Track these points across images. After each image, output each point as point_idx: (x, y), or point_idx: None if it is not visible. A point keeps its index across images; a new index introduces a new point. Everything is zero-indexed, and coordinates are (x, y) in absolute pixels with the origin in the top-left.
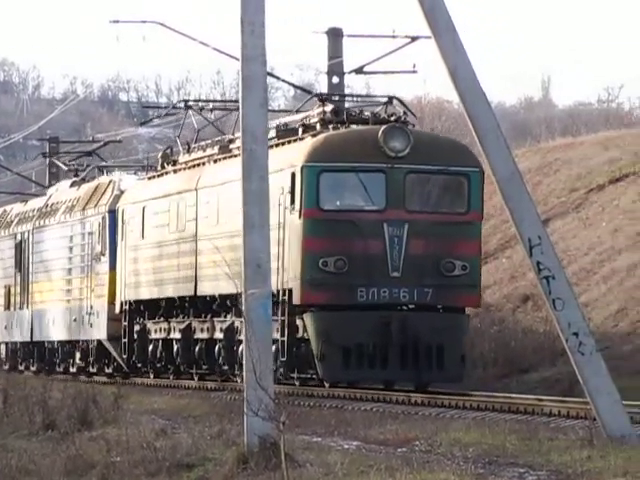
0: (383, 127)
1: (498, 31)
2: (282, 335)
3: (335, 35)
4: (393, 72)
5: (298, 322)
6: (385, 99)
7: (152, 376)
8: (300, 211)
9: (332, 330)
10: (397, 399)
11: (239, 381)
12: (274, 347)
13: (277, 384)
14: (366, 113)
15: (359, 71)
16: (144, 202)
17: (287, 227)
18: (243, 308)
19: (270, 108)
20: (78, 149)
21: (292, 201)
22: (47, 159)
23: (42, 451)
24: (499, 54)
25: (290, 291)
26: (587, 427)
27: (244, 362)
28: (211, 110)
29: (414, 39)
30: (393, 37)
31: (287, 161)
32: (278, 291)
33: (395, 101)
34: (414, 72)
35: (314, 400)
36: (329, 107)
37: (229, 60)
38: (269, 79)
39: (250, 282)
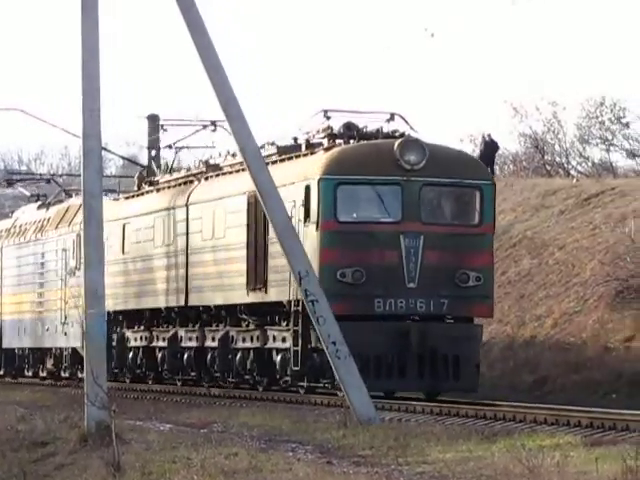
0: (399, 140)
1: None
2: (295, 345)
3: (153, 119)
4: (197, 147)
5: (312, 333)
6: (387, 115)
7: (128, 381)
8: (317, 223)
9: (350, 340)
10: (199, 392)
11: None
12: (279, 356)
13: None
14: (370, 129)
15: (171, 146)
16: (124, 219)
17: (300, 238)
18: (84, 325)
19: (104, 174)
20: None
21: (307, 213)
22: None
23: None
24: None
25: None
26: (342, 413)
27: (85, 365)
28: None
29: (214, 123)
30: (197, 122)
31: (299, 175)
32: (289, 301)
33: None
34: (213, 147)
35: (138, 393)
36: (325, 123)
37: (74, 137)
38: (103, 152)
39: (90, 305)
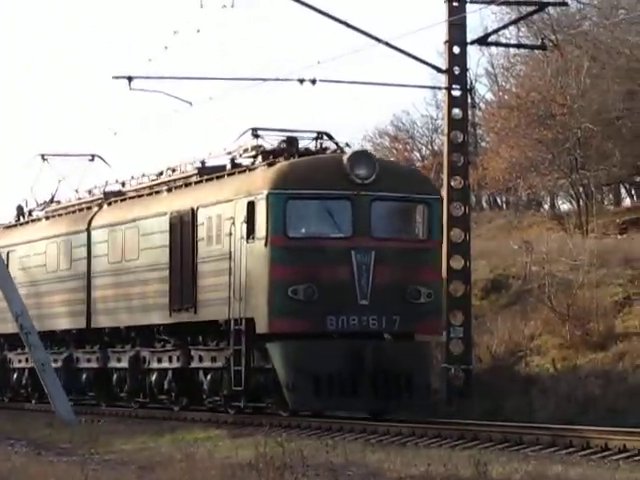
0: (349, 154)
1: None
2: (237, 364)
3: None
4: None
5: (255, 352)
6: (314, 134)
7: (7, 400)
8: (266, 239)
9: (302, 359)
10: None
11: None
12: (209, 376)
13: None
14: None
15: None
16: (8, 247)
17: (243, 256)
18: None
19: None
20: None
21: (251, 230)
22: None
23: None
24: None
25: (249, 320)
26: (50, 417)
27: None
28: None
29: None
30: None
31: (238, 191)
32: (227, 321)
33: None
34: None
35: None
36: (253, 142)
37: None
38: None
39: None
